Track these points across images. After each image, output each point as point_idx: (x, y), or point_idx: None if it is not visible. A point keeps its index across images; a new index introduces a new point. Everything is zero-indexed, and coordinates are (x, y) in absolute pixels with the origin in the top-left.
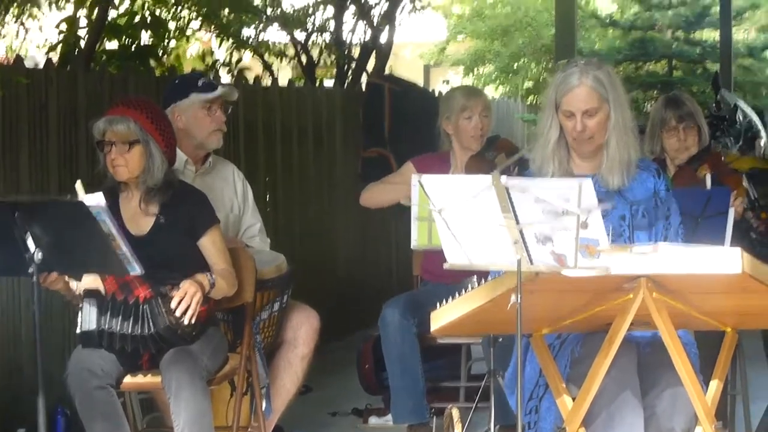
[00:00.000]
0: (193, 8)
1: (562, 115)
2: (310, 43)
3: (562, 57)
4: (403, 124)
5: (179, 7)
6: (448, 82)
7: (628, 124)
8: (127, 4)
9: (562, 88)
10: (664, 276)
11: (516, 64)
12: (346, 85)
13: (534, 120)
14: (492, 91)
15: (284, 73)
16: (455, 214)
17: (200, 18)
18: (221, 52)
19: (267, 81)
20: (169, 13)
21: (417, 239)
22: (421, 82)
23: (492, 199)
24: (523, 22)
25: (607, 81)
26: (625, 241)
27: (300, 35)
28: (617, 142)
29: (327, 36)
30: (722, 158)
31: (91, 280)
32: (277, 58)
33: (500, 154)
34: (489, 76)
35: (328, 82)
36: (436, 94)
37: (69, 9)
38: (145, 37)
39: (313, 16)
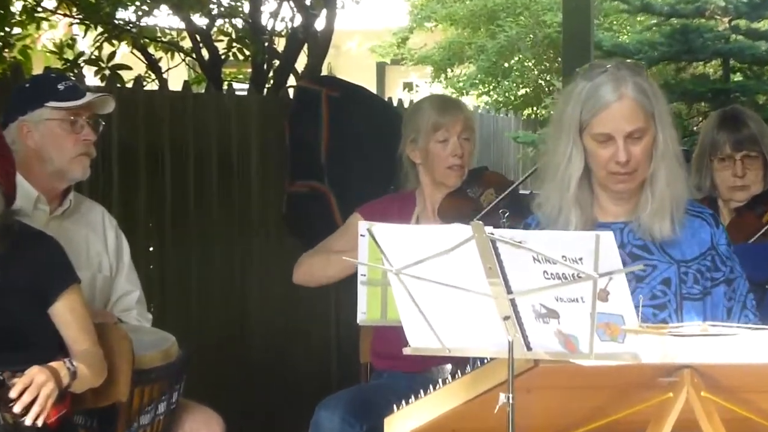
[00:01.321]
0: None
1: (591, 141)
2: (214, 31)
3: (571, 54)
4: (348, 145)
5: None
6: (411, 87)
7: (677, 150)
8: None
9: (593, 103)
10: (717, 367)
11: (507, 63)
12: (266, 90)
13: (532, 141)
14: (473, 101)
15: (177, 74)
16: (421, 277)
17: None
18: (87, 42)
19: (153, 84)
20: None
21: (366, 312)
22: (373, 87)
23: (473, 257)
24: (517, 5)
25: (650, 91)
26: (670, 317)
27: (200, 20)
28: (667, 175)
29: (239, 22)
30: None
31: None
32: (166, 52)
33: (488, 190)
34: (469, 79)
35: (241, 87)
36: (395, 103)
37: None
38: None
39: None
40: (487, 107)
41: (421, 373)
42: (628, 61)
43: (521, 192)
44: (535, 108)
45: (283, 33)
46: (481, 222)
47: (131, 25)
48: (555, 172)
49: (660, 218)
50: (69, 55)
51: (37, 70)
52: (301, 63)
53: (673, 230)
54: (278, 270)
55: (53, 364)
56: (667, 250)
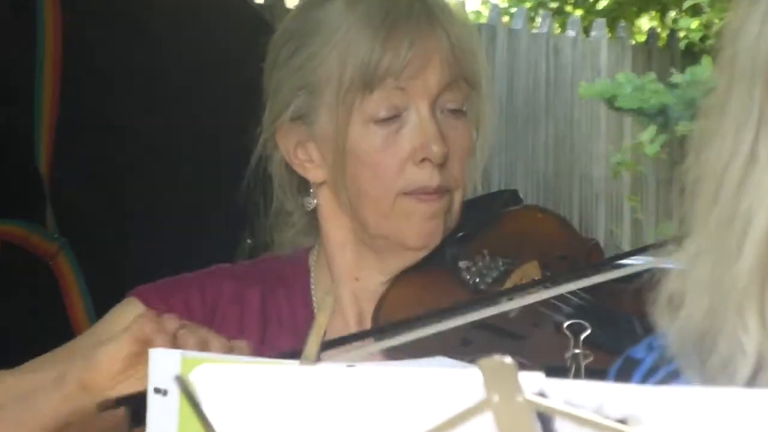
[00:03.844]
0: None
1: None
2: None
3: None
4: (121, 123)
5: None
6: None
7: None
8: None
9: None
10: None
11: None
12: None
13: (662, 108)
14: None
15: None
16: None
17: None
18: None
19: None
20: None
21: None
22: None
23: None
24: None
25: None
26: None
27: None
28: None
29: None
30: None
31: None
32: None
33: (526, 265)
34: None
35: None
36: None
37: None
38: None
39: None
40: (532, 12)
41: None
42: None
43: (624, 262)
44: (672, 14)
45: None
46: (509, 359)
47: None
48: (712, 200)
49: None
50: None
51: None
52: None
53: None
54: None
55: None
56: None
